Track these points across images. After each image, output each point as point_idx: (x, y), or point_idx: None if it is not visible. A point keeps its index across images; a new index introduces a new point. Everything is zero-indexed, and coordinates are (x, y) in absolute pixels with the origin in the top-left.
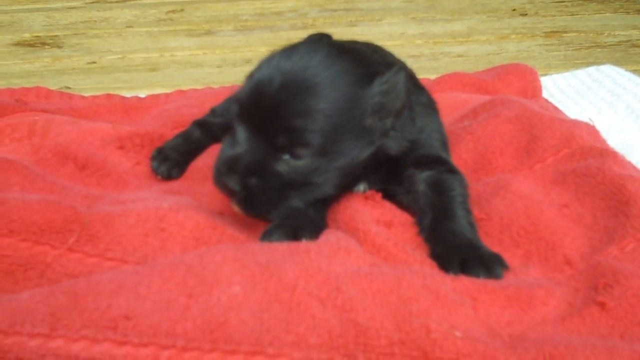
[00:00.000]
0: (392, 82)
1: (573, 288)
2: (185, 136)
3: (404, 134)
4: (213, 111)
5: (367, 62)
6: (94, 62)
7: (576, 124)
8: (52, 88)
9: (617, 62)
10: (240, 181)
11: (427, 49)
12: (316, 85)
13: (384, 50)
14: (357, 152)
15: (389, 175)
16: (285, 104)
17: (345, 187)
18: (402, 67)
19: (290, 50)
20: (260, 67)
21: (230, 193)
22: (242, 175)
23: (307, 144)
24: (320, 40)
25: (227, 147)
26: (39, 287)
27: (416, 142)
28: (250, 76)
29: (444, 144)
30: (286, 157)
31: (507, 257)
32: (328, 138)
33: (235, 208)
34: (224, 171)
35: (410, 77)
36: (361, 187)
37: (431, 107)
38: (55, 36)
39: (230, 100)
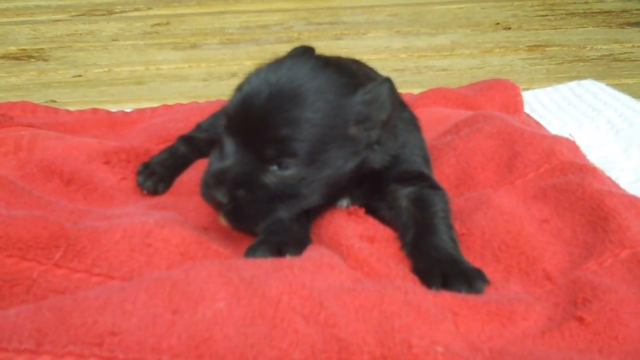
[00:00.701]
0: (375, 92)
1: (553, 303)
2: (171, 151)
3: (386, 148)
4: (199, 126)
5: (351, 73)
6: (80, 76)
7: (557, 139)
8: (37, 101)
9: (599, 76)
10: (228, 193)
11: (411, 63)
12: (302, 95)
13: (367, 66)
14: (343, 162)
15: (372, 190)
16: (273, 114)
17: (330, 199)
18: (387, 79)
19: (277, 63)
20: (248, 80)
21: (217, 206)
22: (230, 187)
23: (295, 153)
24: (305, 54)
25: (215, 160)
26: (26, 303)
27: (398, 158)
28: (239, 89)
29: (426, 160)
30: (274, 168)
31: (489, 271)
32: (314, 147)
33: (222, 221)
34: (212, 184)
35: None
36: (344, 202)
37: (413, 124)
38: (41, 49)
39: (216, 116)
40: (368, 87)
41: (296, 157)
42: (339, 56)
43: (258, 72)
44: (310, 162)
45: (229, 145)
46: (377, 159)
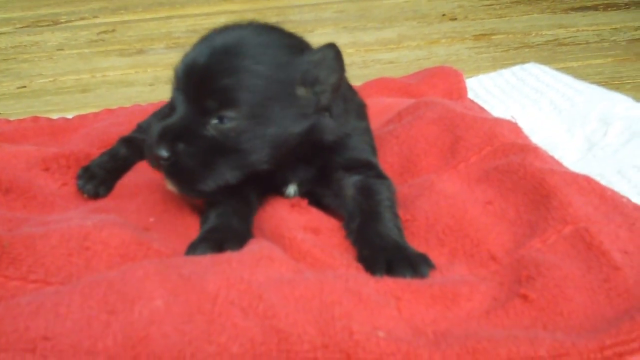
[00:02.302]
0: (323, 53)
1: (498, 282)
2: (111, 153)
3: (340, 123)
4: (139, 127)
5: (297, 37)
6: (24, 87)
7: (498, 122)
8: None
9: (545, 61)
10: (169, 147)
11: (359, 57)
12: (244, 48)
13: None
14: (290, 123)
15: (319, 177)
16: (214, 66)
17: (279, 169)
18: (333, 44)
19: (223, 27)
20: (194, 44)
21: (159, 164)
22: (171, 141)
23: (235, 104)
24: (257, 21)
25: (159, 120)
26: None
27: (347, 141)
28: (186, 53)
29: (373, 149)
30: (215, 121)
31: (433, 256)
32: (256, 99)
33: (169, 186)
34: (155, 140)
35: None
36: (291, 189)
37: (362, 111)
38: None
39: (156, 115)
40: (316, 49)
41: (237, 107)
42: None
43: (204, 36)
44: (252, 115)
45: (176, 103)
46: (330, 128)
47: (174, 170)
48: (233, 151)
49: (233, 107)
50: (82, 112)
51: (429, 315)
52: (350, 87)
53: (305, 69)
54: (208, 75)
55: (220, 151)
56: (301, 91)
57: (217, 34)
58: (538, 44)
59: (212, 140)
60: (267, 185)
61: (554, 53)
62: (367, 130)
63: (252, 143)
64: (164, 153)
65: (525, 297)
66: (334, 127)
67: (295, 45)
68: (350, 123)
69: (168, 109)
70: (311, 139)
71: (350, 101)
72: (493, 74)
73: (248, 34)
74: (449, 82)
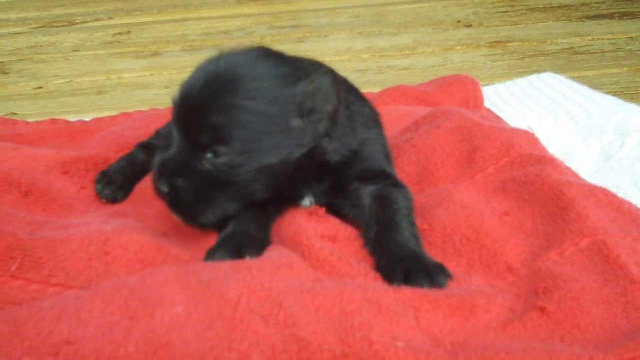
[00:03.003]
0: (318, 83)
1: (515, 294)
2: (129, 159)
3: (343, 143)
4: (158, 133)
5: (294, 64)
6: (41, 88)
7: (515, 132)
8: None
9: (560, 70)
10: (168, 183)
11: (374, 63)
12: (236, 82)
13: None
14: (286, 153)
15: (334, 188)
16: (207, 102)
17: (286, 192)
18: (330, 70)
19: (218, 55)
20: (192, 73)
21: (163, 198)
22: (169, 176)
23: (227, 140)
24: (253, 48)
25: (159, 153)
26: None
27: (359, 154)
28: (183, 83)
29: (388, 157)
30: (209, 155)
31: (451, 266)
32: (249, 135)
33: (175, 215)
34: (156, 174)
35: (351, 89)
36: (307, 201)
37: (373, 120)
38: (1, 63)
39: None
40: (310, 78)
41: (229, 144)
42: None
43: (201, 64)
44: (245, 150)
45: (174, 135)
46: (332, 152)
47: (176, 204)
48: (229, 185)
49: (225, 144)
50: (98, 114)
51: (447, 326)
52: (359, 98)
53: (301, 100)
54: (200, 110)
55: (217, 185)
56: (297, 122)
57: (211, 64)
58: (553, 52)
59: (208, 175)
60: (283, 199)
61: (569, 62)
62: (380, 139)
63: (247, 176)
64: (164, 188)
65: (542, 310)
66: (336, 149)
67: (290, 74)
68: (358, 137)
69: (168, 142)
70: (313, 162)
71: (357, 115)
72: (509, 83)
73: (242, 65)
74: (465, 90)
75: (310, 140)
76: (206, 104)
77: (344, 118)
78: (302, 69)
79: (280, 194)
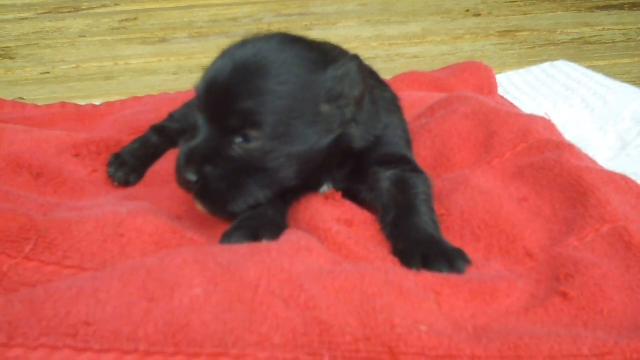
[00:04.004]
0: (346, 68)
1: (535, 279)
2: (142, 141)
3: (368, 128)
4: (171, 116)
5: (321, 49)
6: (48, 73)
7: (533, 118)
8: (5, 99)
9: (571, 59)
10: (197, 171)
11: (383, 51)
12: (267, 67)
13: (341, 48)
14: (316, 140)
15: (354, 173)
16: (236, 87)
17: (310, 179)
18: (356, 55)
19: (244, 41)
20: (215, 60)
21: (188, 187)
22: (198, 164)
23: (258, 125)
24: (276, 33)
25: (184, 141)
26: None
27: (381, 139)
28: (206, 69)
29: (408, 143)
30: (239, 140)
31: (469, 251)
32: (280, 120)
33: (199, 206)
34: (183, 164)
35: (372, 73)
36: (326, 187)
37: (395, 104)
38: (7, 47)
39: (188, 105)
40: (339, 63)
41: (260, 129)
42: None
43: (225, 50)
44: (276, 135)
45: (200, 122)
46: (358, 138)
47: (204, 193)
48: (260, 170)
49: (257, 128)
50: (106, 98)
51: (468, 311)
52: (380, 82)
53: (330, 86)
54: (230, 95)
55: (248, 171)
56: (325, 108)
57: (237, 50)
58: (564, 42)
59: (238, 161)
60: (302, 187)
61: (580, 51)
62: (401, 124)
63: (279, 162)
64: (192, 177)
65: (565, 295)
66: (361, 135)
67: (319, 59)
68: (381, 122)
69: (192, 130)
70: (340, 148)
71: (380, 99)
72: (522, 71)
73: (270, 50)
74: (479, 77)
75: (339, 125)
76: (236, 89)
77: (367, 103)
78: (328, 54)
79: (305, 181)
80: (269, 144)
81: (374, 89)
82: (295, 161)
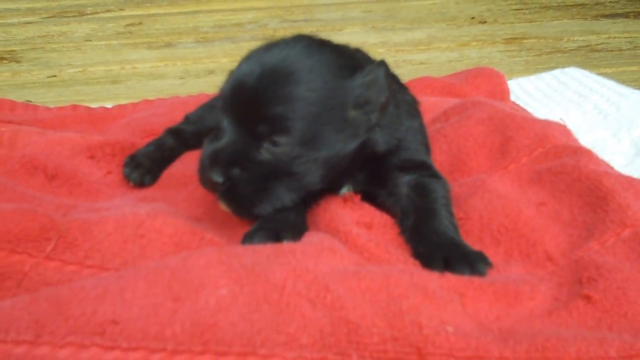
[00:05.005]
0: (374, 75)
1: (556, 283)
2: (158, 143)
3: (391, 131)
4: (187, 118)
5: (348, 55)
6: (54, 76)
7: (549, 123)
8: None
9: (579, 67)
10: (223, 172)
11: (390, 57)
12: (296, 74)
13: (363, 51)
14: (342, 145)
15: (373, 177)
16: (265, 92)
17: (333, 183)
18: (382, 61)
19: (270, 44)
20: (241, 62)
21: (213, 188)
22: (225, 166)
23: (287, 130)
24: (301, 36)
25: (209, 142)
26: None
27: (402, 142)
28: (232, 72)
29: (427, 148)
30: (267, 145)
31: (489, 254)
32: (308, 126)
33: (222, 206)
34: (207, 165)
35: (393, 76)
36: (345, 189)
37: (415, 108)
38: (13, 51)
39: (204, 108)
40: (367, 70)
41: (289, 134)
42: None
43: (250, 54)
44: (304, 141)
45: (225, 125)
46: (381, 141)
47: (229, 194)
48: (287, 174)
49: (286, 134)
50: (114, 102)
51: (493, 312)
52: (401, 86)
53: (358, 93)
54: (259, 100)
55: (275, 175)
56: (352, 114)
57: (264, 53)
58: (571, 50)
59: (266, 165)
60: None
61: (587, 59)
62: (421, 129)
63: (306, 167)
64: (218, 178)
65: (588, 298)
66: (385, 138)
67: (347, 65)
68: (403, 125)
69: (216, 132)
70: (364, 153)
71: (401, 102)
72: (532, 77)
73: (298, 56)
74: (491, 83)
75: (364, 131)
76: (266, 95)
77: (392, 106)
78: (355, 59)
79: (329, 184)
80: (296, 149)
81: (396, 92)
82: (322, 166)
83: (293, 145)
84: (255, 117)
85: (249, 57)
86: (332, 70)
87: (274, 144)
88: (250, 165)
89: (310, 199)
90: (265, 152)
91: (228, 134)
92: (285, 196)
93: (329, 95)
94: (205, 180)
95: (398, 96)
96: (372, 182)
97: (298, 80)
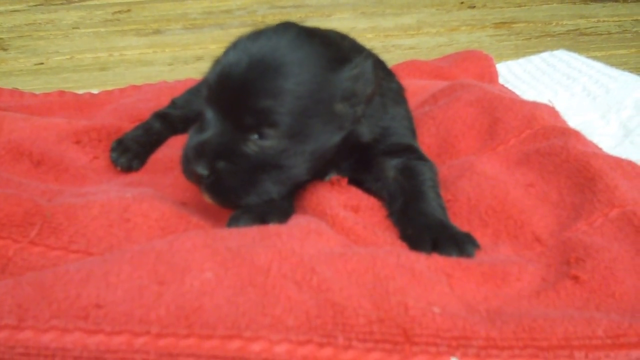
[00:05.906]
0: (361, 68)
1: (545, 264)
2: (145, 127)
3: (375, 120)
4: (174, 103)
5: (336, 46)
6: (42, 63)
7: (537, 105)
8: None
9: (568, 51)
10: (208, 165)
11: (379, 42)
12: (284, 66)
13: (350, 38)
14: (328, 137)
15: (359, 164)
16: (253, 84)
17: (317, 173)
18: (370, 53)
19: (257, 33)
20: (227, 51)
21: (198, 180)
22: (210, 159)
23: (275, 124)
24: (289, 25)
25: (194, 133)
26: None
27: (387, 130)
28: (217, 60)
29: (414, 133)
30: (254, 137)
31: (477, 236)
32: (296, 119)
33: (207, 198)
34: (192, 157)
35: (380, 62)
36: (331, 176)
37: (400, 95)
38: (0, 39)
39: (191, 92)
40: (354, 62)
41: (277, 127)
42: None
43: (237, 42)
44: (291, 134)
45: (209, 116)
46: (366, 132)
47: (215, 187)
48: (274, 167)
49: (273, 127)
50: (102, 89)
51: (480, 293)
52: (387, 73)
53: (345, 86)
54: (247, 92)
55: (262, 168)
56: (339, 107)
57: (251, 43)
58: (560, 34)
59: (253, 157)
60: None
61: (576, 42)
62: (406, 114)
63: (293, 160)
64: (203, 171)
65: (576, 279)
66: (369, 128)
67: (335, 58)
68: (388, 113)
69: (200, 123)
70: (349, 143)
71: (387, 91)
72: (521, 60)
73: (286, 47)
74: (480, 65)
75: (350, 123)
76: (253, 87)
77: (376, 96)
78: (343, 50)
79: (314, 175)
80: (284, 142)
81: (382, 80)
82: (309, 158)
83: (280, 138)
84: (242, 109)
85: (236, 46)
86: (320, 63)
87: (261, 136)
88: (236, 158)
89: (295, 187)
90: (252, 145)
91: (213, 126)
92: (272, 188)
93: (317, 88)
94: (189, 173)
95: (384, 84)
96: (357, 169)
97: (287, 73)
